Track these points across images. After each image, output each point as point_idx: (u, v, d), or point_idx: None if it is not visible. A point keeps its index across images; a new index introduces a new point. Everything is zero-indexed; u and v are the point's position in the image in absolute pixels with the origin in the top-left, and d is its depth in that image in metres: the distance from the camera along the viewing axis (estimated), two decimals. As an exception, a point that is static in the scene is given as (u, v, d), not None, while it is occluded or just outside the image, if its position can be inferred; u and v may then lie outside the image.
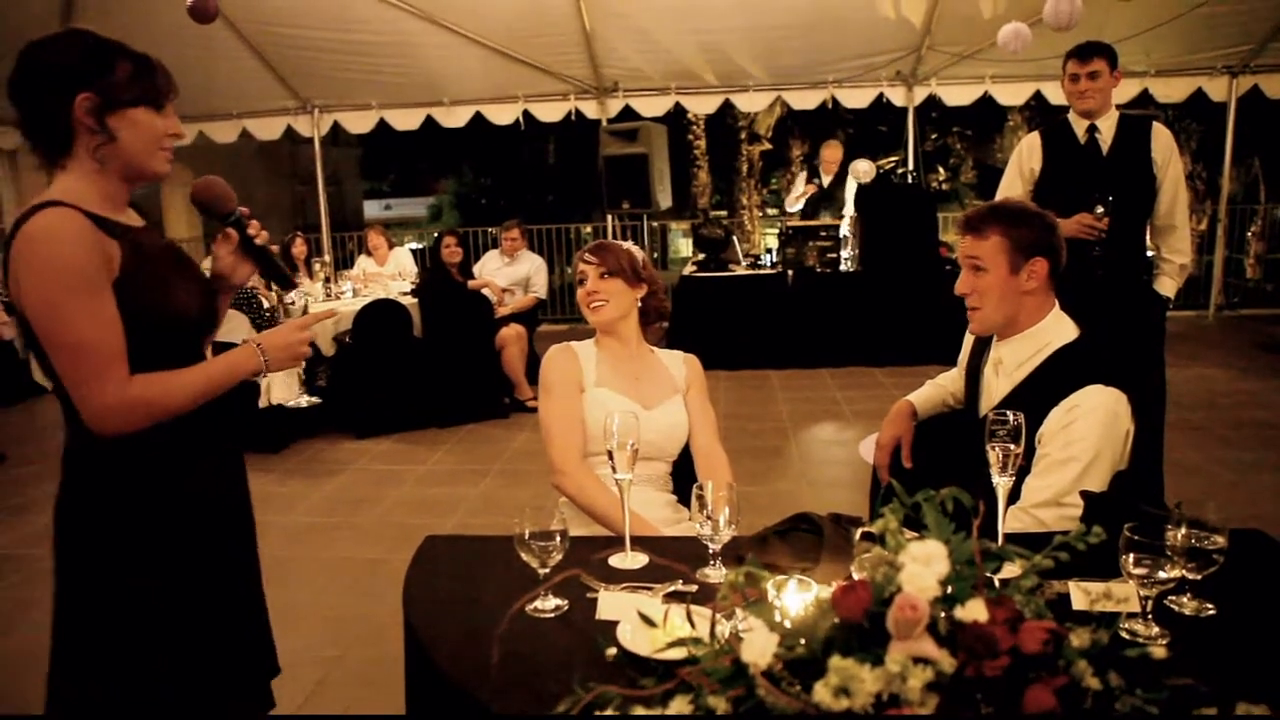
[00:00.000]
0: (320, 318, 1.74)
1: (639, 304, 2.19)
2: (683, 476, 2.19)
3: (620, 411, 1.64)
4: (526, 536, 1.39)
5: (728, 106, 8.81)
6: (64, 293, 1.36)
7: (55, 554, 1.51)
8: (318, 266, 6.92)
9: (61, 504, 1.50)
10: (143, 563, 1.50)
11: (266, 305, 5.28)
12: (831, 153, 7.83)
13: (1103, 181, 3.29)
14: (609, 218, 8.77)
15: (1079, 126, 3.38)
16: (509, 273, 6.68)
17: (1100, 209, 3.21)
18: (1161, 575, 1.23)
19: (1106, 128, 3.35)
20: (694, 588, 1.47)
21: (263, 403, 5.06)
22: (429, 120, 8.67)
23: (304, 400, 1.60)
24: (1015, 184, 3.53)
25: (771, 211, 16.17)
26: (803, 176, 8.03)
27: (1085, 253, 3.17)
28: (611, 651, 1.22)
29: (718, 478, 1.70)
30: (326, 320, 1.62)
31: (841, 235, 7.07)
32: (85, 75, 1.41)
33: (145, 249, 1.49)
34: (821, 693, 0.86)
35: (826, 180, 7.70)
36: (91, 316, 1.38)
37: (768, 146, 16.20)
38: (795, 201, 7.80)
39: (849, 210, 7.44)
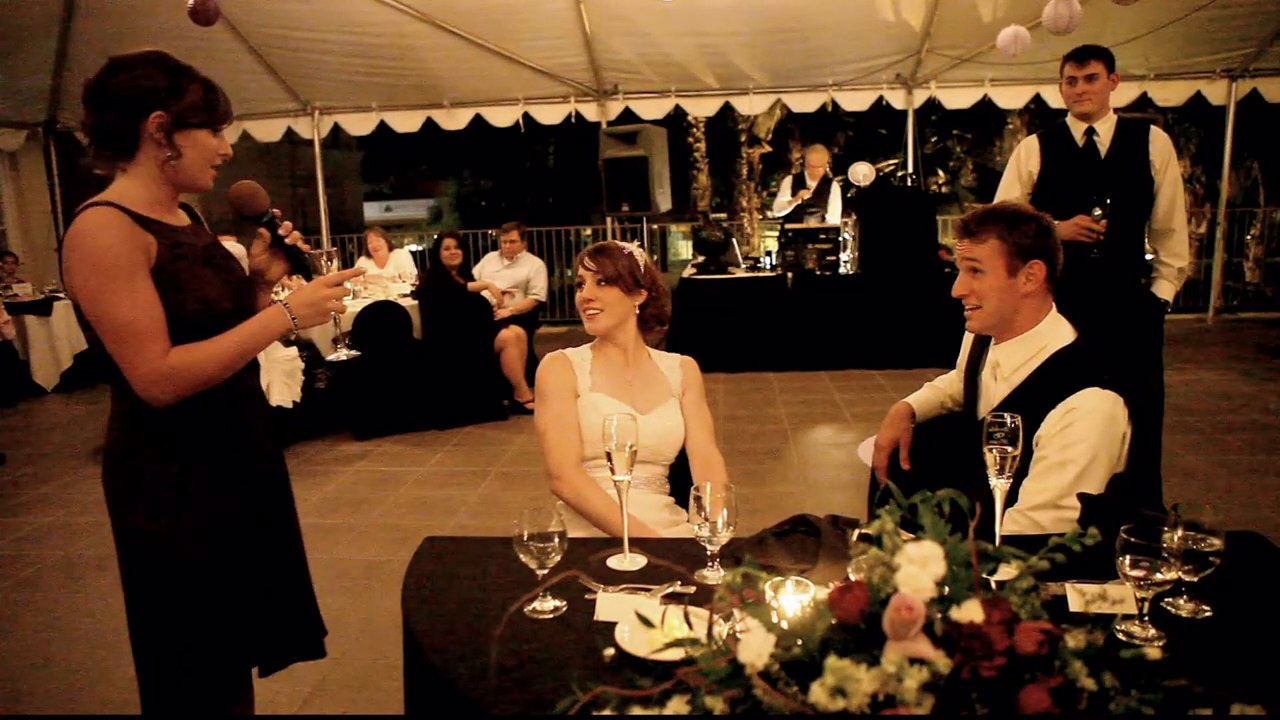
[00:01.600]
0: (350, 275, 1.80)
1: (637, 311, 2.19)
2: (680, 478, 2.19)
3: (618, 414, 1.65)
4: (525, 538, 1.39)
5: (728, 109, 8.83)
6: (104, 278, 1.52)
7: (110, 516, 1.68)
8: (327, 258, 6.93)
9: (104, 470, 1.68)
10: (179, 516, 1.64)
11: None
12: (816, 157, 7.82)
13: (1101, 184, 3.29)
14: (608, 220, 8.78)
15: (1077, 129, 3.39)
16: (509, 275, 6.68)
17: (1098, 211, 3.21)
18: (1158, 577, 1.24)
19: (1105, 130, 3.36)
20: (692, 589, 1.47)
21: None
22: (429, 122, 8.68)
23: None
24: (1013, 187, 3.53)
25: (770, 215, 16.18)
26: (788, 183, 8.01)
27: (1083, 255, 3.17)
28: (609, 652, 1.23)
29: (714, 480, 1.70)
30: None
31: (841, 239, 7.07)
32: (162, 96, 1.58)
33: (182, 246, 1.63)
34: (818, 693, 0.86)
35: (812, 184, 7.70)
36: (129, 298, 1.53)
37: (768, 149, 16.20)
38: (784, 207, 7.80)
39: (833, 215, 7.43)
